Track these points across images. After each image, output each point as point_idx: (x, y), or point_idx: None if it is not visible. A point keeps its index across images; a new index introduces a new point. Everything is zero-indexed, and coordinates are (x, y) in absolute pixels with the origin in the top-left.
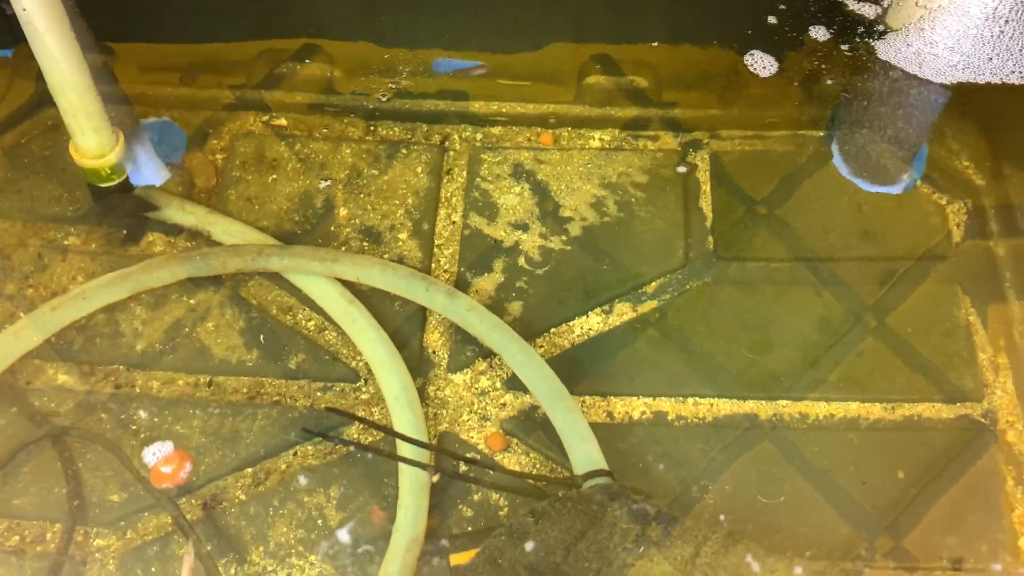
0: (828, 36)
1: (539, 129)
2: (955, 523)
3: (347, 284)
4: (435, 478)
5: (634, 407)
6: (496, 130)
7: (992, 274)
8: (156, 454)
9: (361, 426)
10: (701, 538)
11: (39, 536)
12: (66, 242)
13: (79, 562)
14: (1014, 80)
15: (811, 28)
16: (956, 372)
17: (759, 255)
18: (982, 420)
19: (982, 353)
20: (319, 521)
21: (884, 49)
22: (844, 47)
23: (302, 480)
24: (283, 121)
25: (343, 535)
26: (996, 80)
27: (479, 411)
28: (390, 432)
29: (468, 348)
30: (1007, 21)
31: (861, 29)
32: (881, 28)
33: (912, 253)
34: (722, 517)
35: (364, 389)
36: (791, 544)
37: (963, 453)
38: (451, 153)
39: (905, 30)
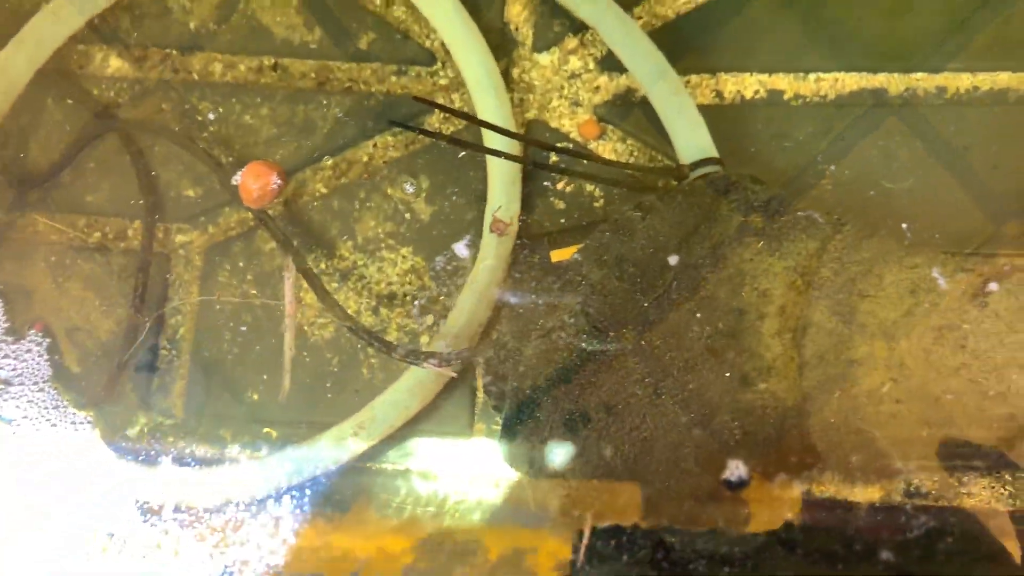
0: None
1: None
2: None
3: None
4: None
5: (747, 85)
6: None
7: None
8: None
9: (443, 115)
10: (830, 231)
11: (120, 232)
12: None
13: (163, 257)
14: None
15: None
16: None
17: None
18: None
19: None
20: (407, 215)
21: None
22: None
23: (386, 172)
24: None
25: (433, 229)
26: None
27: (570, 96)
28: (477, 122)
29: (556, 22)
30: None
31: None
32: None
33: None
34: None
35: (442, 73)
36: (915, 232)
37: None
38: None
39: None
